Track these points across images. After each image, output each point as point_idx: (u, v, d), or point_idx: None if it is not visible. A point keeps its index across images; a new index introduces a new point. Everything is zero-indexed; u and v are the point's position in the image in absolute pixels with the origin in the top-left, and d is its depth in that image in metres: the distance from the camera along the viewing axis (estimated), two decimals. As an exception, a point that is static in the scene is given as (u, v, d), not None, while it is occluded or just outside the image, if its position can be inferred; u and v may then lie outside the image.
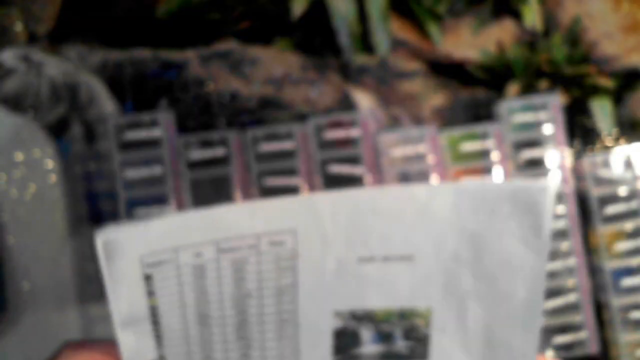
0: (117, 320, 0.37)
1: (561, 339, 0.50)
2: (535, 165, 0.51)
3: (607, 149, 0.54)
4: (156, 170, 0.48)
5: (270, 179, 0.49)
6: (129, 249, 0.36)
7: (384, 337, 0.38)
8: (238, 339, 0.39)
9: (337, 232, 0.36)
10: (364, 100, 0.53)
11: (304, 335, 0.38)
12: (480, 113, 0.54)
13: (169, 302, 0.38)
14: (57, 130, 0.50)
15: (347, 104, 0.53)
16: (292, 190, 0.49)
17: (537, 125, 0.52)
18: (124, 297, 0.37)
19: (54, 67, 0.51)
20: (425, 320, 0.37)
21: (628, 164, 0.52)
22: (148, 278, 0.37)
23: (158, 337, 0.39)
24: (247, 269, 0.37)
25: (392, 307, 0.38)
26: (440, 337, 0.38)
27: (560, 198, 0.51)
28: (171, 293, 0.37)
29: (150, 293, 0.38)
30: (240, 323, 0.38)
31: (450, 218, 0.36)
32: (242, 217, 0.36)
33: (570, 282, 0.51)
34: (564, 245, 0.51)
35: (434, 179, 0.50)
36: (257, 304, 0.38)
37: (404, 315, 0.37)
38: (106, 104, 0.51)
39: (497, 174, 0.50)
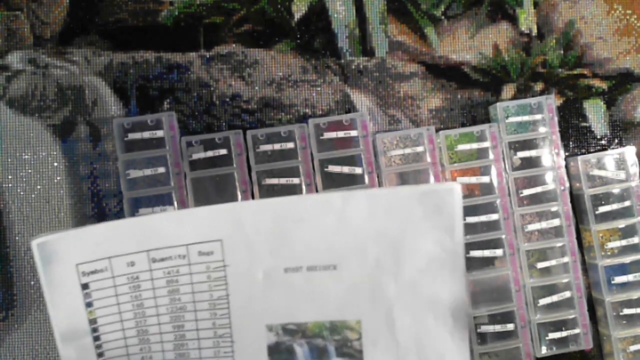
0: (57, 332, 0.37)
1: (556, 334, 0.51)
2: (531, 165, 0.52)
3: (600, 149, 0.55)
4: (159, 170, 0.49)
5: (271, 179, 0.49)
6: (64, 255, 0.36)
7: (319, 353, 0.37)
8: (177, 356, 0.38)
9: (262, 241, 0.36)
10: (363, 101, 0.53)
11: (239, 352, 0.38)
12: (476, 114, 0.54)
13: (108, 314, 0.38)
14: (63, 131, 0.51)
15: (346, 105, 0.53)
16: (292, 191, 0.49)
17: (532, 126, 0.52)
18: (63, 307, 0.37)
19: (59, 69, 0.51)
20: (356, 333, 0.37)
21: (621, 164, 0.53)
22: (85, 287, 0.37)
23: (100, 354, 0.38)
24: (180, 281, 0.37)
25: (322, 319, 0.37)
26: (373, 352, 0.37)
27: (555, 197, 0.52)
28: (109, 305, 0.37)
29: (89, 304, 0.37)
30: (178, 339, 0.38)
31: (366, 224, 0.36)
32: (170, 226, 0.36)
33: (564, 279, 0.51)
34: (559, 243, 0.51)
35: (432, 179, 0.50)
36: (193, 318, 0.38)
37: (335, 329, 0.37)
38: (111, 105, 0.51)
39: (494, 173, 0.51)
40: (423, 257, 0.36)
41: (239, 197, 0.49)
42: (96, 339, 0.38)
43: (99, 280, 0.37)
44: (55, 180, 0.50)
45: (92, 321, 0.38)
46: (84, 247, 0.37)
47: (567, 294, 0.51)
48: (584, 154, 0.54)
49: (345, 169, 0.50)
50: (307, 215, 0.37)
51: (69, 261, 0.37)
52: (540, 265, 0.51)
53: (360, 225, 0.36)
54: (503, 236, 0.51)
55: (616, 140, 0.55)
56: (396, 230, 0.36)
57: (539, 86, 0.55)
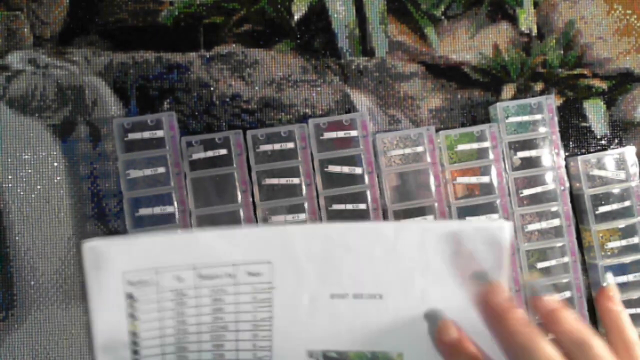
0: (97, 342, 0.37)
1: (556, 334, 0.51)
2: (531, 165, 0.52)
3: (600, 149, 0.55)
4: (159, 170, 0.49)
5: (271, 179, 0.49)
6: (113, 262, 0.36)
7: None
8: None
9: (311, 266, 0.36)
10: (363, 101, 0.53)
11: None
12: (476, 114, 0.54)
13: (149, 329, 0.37)
14: (63, 131, 0.51)
15: (346, 105, 0.53)
16: (292, 191, 0.49)
17: (532, 126, 0.52)
18: (105, 316, 0.36)
19: (59, 69, 0.51)
20: None
21: (621, 164, 0.53)
22: (130, 297, 0.37)
23: None
24: (225, 300, 0.37)
25: (364, 349, 0.37)
26: None
27: (555, 197, 0.52)
28: (152, 319, 0.37)
29: (132, 316, 0.37)
30: (217, 359, 0.38)
31: (416, 256, 0.35)
32: (221, 243, 0.36)
33: (564, 279, 0.51)
34: (559, 243, 0.51)
35: (432, 178, 0.50)
36: (234, 338, 0.38)
37: None
38: (111, 105, 0.51)
39: (494, 173, 0.51)
40: (469, 294, 0.35)
41: (239, 197, 0.49)
42: (135, 352, 0.38)
43: (144, 292, 0.37)
44: (55, 180, 0.51)
45: (133, 334, 0.38)
46: (132, 256, 0.37)
47: (567, 294, 0.51)
48: (584, 154, 0.54)
49: (345, 169, 0.50)
50: (359, 243, 0.37)
51: (116, 269, 0.37)
52: (540, 265, 0.51)
53: (409, 256, 0.36)
54: (503, 236, 0.51)
55: (616, 140, 0.55)
56: (444, 264, 0.36)
57: (539, 86, 0.55)
